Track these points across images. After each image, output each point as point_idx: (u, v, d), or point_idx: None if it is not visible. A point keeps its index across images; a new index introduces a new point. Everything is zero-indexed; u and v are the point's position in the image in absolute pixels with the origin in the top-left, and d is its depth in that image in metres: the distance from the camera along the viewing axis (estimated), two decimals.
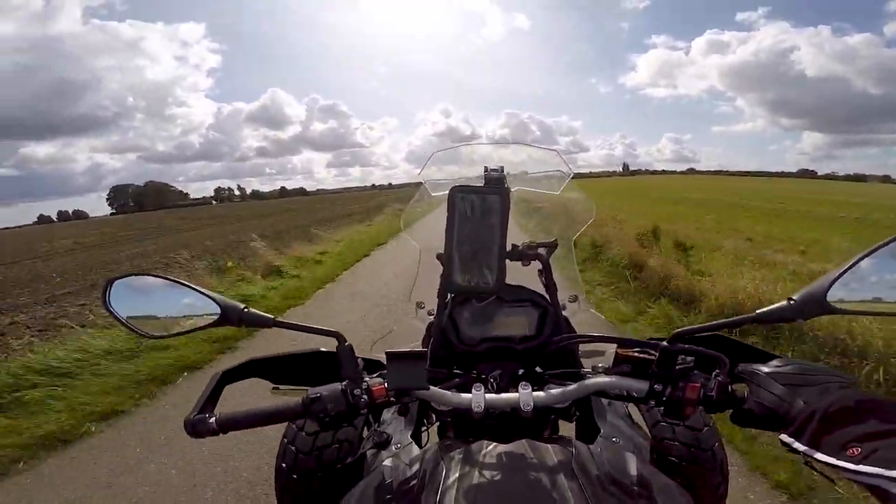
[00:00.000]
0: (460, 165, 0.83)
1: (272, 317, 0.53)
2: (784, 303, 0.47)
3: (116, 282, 0.53)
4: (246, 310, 0.52)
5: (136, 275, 0.54)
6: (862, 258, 0.44)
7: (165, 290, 0.54)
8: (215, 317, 0.52)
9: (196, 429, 0.50)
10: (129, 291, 0.53)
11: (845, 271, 0.44)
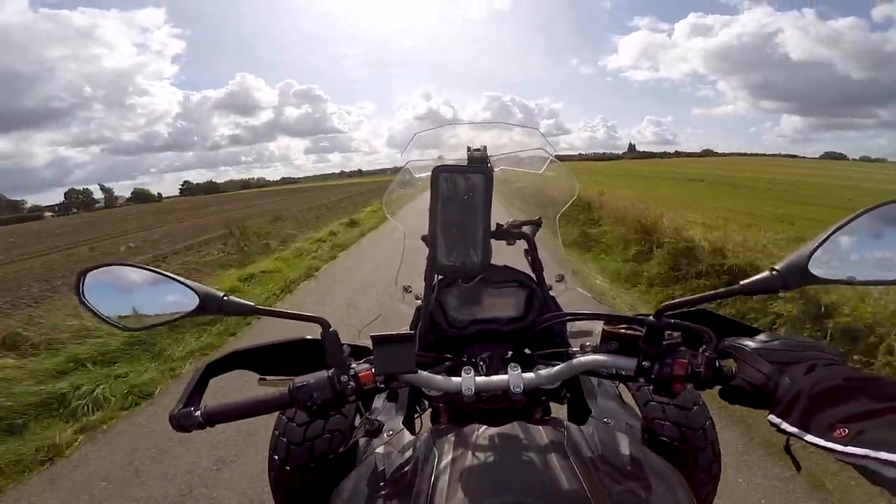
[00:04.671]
0: (442, 147, 0.96)
1: (253, 304, 0.61)
2: (767, 273, 0.55)
3: (90, 273, 0.60)
4: (226, 298, 0.60)
5: (109, 265, 0.62)
6: (840, 227, 0.53)
7: (141, 280, 0.62)
8: (194, 305, 0.59)
9: (181, 423, 0.57)
10: (104, 282, 0.61)
11: (824, 241, 0.53)
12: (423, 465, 0.57)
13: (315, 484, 0.85)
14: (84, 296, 0.61)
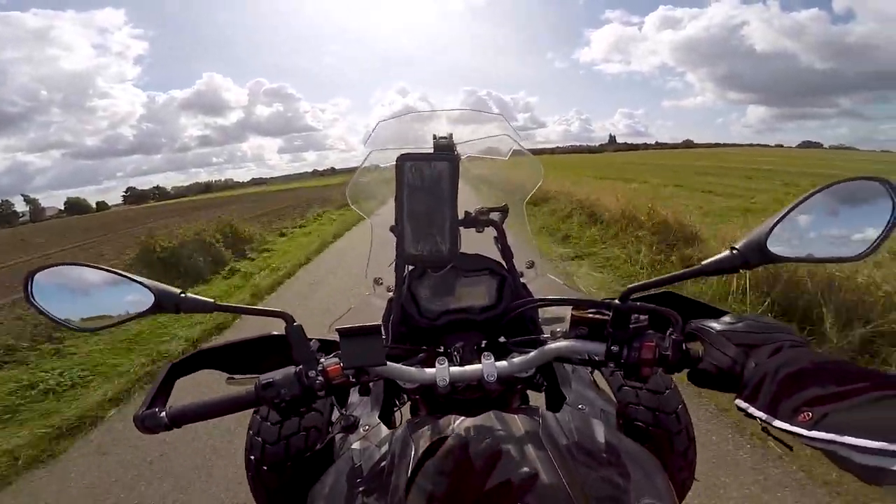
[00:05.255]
0: (407, 135, 0.98)
1: (213, 300, 0.61)
2: (727, 252, 0.57)
3: (38, 273, 0.60)
4: (183, 295, 0.60)
5: (59, 265, 0.62)
6: (796, 206, 0.55)
7: (93, 280, 0.62)
8: (150, 304, 0.60)
9: (146, 424, 0.58)
10: (54, 283, 0.61)
11: (781, 219, 0.55)
12: (400, 459, 0.58)
13: (293, 482, 0.86)
14: (33, 297, 0.60)
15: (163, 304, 0.60)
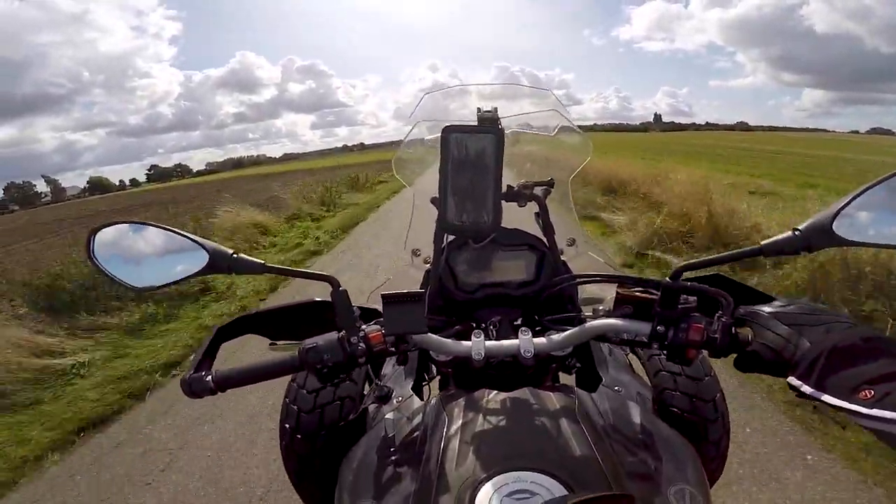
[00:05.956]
0: (452, 108, 1.01)
1: (262, 262, 0.63)
2: (789, 233, 0.55)
3: (101, 231, 0.64)
4: (235, 255, 0.63)
5: (120, 223, 0.66)
6: (866, 189, 0.54)
7: (152, 238, 0.66)
8: (204, 263, 0.63)
9: (193, 388, 0.60)
10: (115, 241, 0.65)
11: (850, 202, 0.54)
12: (433, 431, 0.59)
13: (325, 451, 0.90)
14: (94, 255, 0.64)
15: (216, 264, 0.63)
